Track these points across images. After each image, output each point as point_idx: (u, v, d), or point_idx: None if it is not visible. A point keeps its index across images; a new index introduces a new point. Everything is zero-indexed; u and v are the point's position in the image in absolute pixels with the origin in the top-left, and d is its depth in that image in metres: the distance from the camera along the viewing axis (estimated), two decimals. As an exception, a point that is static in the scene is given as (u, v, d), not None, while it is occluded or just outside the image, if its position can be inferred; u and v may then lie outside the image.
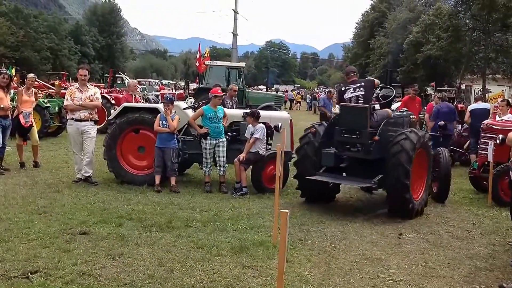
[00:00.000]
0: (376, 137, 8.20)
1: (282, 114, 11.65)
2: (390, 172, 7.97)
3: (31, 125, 11.45)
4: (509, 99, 14.78)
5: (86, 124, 9.83)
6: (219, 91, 10.10)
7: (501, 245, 6.96)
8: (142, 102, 11.58)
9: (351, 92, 8.63)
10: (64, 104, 10.12)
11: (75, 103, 9.73)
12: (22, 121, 11.14)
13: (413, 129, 8.72)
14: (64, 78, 33.73)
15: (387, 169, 8.01)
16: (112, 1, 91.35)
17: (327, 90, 34.31)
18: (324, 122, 9.56)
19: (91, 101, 9.88)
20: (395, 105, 13.63)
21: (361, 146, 8.28)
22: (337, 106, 9.93)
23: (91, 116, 9.94)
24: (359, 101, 8.48)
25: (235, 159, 9.53)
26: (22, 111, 11.14)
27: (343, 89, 8.88)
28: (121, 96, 15.76)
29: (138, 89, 13.05)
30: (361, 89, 8.56)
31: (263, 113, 10.51)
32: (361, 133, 8.19)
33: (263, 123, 10.43)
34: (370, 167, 8.42)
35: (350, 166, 8.76)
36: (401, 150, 7.91)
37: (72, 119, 9.83)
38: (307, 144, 8.79)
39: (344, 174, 8.87)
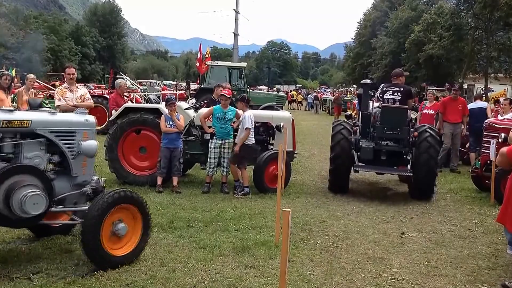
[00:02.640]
0: (416, 133, 9.73)
1: (284, 114, 11.63)
2: (423, 163, 9.41)
3: None
4: (512, 99, 14.75)
5: None
6: (224, 91, 10.06)
7: (504, 244, 6.92)
8: (131, 102, 11.56)
9: (390, 94, 9.98)
10: (56, 104, 9.53)
11: (69, 103, 9.49)
12: None
13: (425, 124, 10.46)
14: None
15: (420, 161, 9.45)
16: (113, 1, 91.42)
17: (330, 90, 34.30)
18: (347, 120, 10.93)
19: (83, 101, 9.76)
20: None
21: (400, 141, 9.67)
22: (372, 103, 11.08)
23: None
24: (395, 104, 9.89)
25: (228, 161, 9.51)
26: None
27: (384, 88, 10.19)
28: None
29: (140, 89, 13.05)
30: (399, 94, 9.93)
31: (265, 113, 10.50)
32: (402, 130, 9.63)
33: (265, 123, 10.44)
34: (398, 158, 9.90)
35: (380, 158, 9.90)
36: (430, 146, 9.44)
37: None
38: (342, 140, 9.69)
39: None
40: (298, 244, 6.60)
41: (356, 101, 21.47)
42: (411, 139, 9.81)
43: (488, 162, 9.94)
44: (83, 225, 5.28)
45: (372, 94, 10.55)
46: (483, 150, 10.52)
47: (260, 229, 7.11)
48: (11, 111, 5.39)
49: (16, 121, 5.27)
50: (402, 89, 10.05)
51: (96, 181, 5.88)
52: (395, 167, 10.09)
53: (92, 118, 6.06)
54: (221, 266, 5.64)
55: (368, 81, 11.91)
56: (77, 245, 6.08)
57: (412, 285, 5.42)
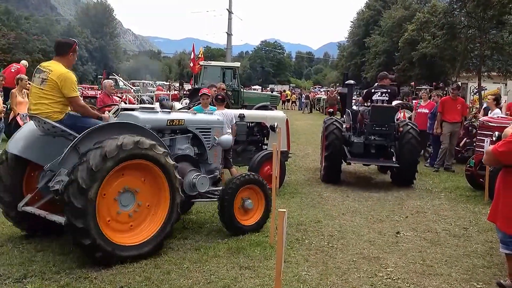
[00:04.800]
0: (401, 128, 10.85)
1: (278, 113, 11.62)
2: (406, 152, 10.61)
3: None
4: (498, 96, 14.81)
5: None
6: (204, 89, 10.00)
7: (498, 242, 6.90)
8: (125, 103, 11.53)
9: (378, 96, 11.24)
10: None
11: None
12: (21, 122, 11.12)
13: (407, 120, 12.03)
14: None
15: (403, 151, 10.63)
16: (105, 1, 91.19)
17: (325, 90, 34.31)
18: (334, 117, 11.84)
19: None
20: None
21: (388, 136, 10.91)
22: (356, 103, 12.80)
23: None
24: (383, 104, 11.10)
25: None
26: (18, 113, 11.09)
27: (373, 90, 11.52)
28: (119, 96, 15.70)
29: (133, 90, 13.03)
30: (386, 95, 11.20)
31: (259, 113, 10.47)
32: (389, 126, 10.84)
33: (259, 123, 10.42)
34: (384, 151, 11.12)
35: (370, 152, 11.16)
36: (412, 137, 10.63)
37: None
38: (336, 140, 10.68)
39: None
40: (293, 244, 6.58)
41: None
42: (396, 134, 10.99)
43: (482, 160, 9.95)
44: (220, 201, 6.72)
45: (357, 93, 11.49)
46: (477, 149, 10.54)
47: (255, 230, 7.08)
48: (168, 112, 6.85)
49: (175, 120, 6.76)
50: (389, 90, 11.36)
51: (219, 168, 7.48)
52: (381, 159, 11.26)
53: (221, 118, 7.65)
54: (216, 267, 5.61)
55: (352, 81, 13.22)
56: (71, 247, 6.06)
57: (408, 285, 5.41)
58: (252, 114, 10.80)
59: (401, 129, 10.89)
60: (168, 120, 6.63)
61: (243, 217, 6.87)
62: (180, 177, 6.06)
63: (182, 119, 6.84)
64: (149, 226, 5.84)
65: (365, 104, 11.78)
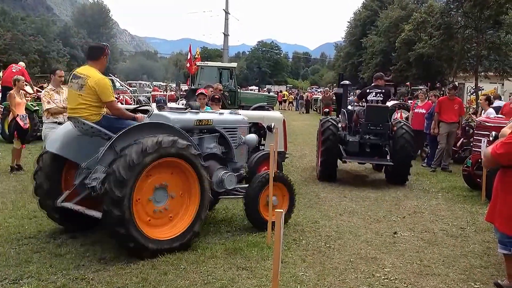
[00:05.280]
0: (395, 128, 11.13)
1: (275, 114, 11.61)
2: (400, 151, 10.84)
3: (28, 127, 11.41)
4: (489, 96, 14.86)
5: None
6: (201, 90, 9.98)
7: (495, 242, 6.92)
8: (121, 104, 11.51)
9: (373, 96, 11.57)
10: (46, 107, 9.41)
11: (59, 106, 9.42)
12: (21, 123, 11.08)
13: (401, 120, 12.39)
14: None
15: (397, 149, 10.88)
16: (101, 2, 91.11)
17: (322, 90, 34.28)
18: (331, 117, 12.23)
19: None
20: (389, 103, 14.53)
21: (382, 135, 11.19)
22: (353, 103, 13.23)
23: None
24: (378, 104, 11.44)
25: None
26: (18, 114, 11.08)
27: (367, 90, 11.88)
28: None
29: (130, 90, 13.01)
30: (381, 95, 11.56)
31: (256, 113, 10.44)
32: (383, 125, 11.15)
33: (256, 123, 10.38)
34: (378, 150, 11.45)
35: (365, 150, 11.46)
36: (406, 136, 10.91)
37: (55, 122, 9.35)
38: (332, 136, 11.06)
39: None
40: (291, 245, 6.57)
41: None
42: (390, 133, 11.23)
43: (480, 160, 9.96)
44: (245, 198, 7.07)
45: (353, 94, 11.74)
46: (474, 149, 10.55)
47: (252, 230, 7.07)
48: (196, 113, 7.15)
49: (203, 120, 7.05)
50: (383, 90, 11.75)
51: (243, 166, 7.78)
52: (376, 158, 11.55)
53: (246, 118, 7.92)
54: (213, 268, 5.59)
55: (347, 82, 13.34)
56: (67, 248, 6.05)
57: (405, 285, 5.41)
58: (249, 114, 10.77)
59: (395, 128, 11.16)
60: (196, 120, 6.94)
61: (268, 213, 6.95)
62: (209, 176, 6.42)
63: (210, 119, 7.15)
64: (182, 221, 6.15)
65: (360, 104, 12.14)
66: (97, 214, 5.90)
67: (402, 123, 11.35)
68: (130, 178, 5.51)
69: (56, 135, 6.61)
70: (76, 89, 6.09)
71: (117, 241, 5.74)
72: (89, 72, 6.12)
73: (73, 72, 6.27)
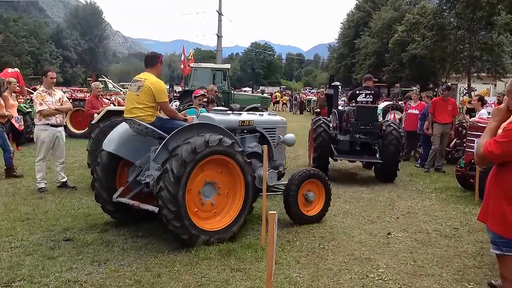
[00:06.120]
0: (384, 127, 11.61)
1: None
2: (389, 149, 11.34)
3: (23, 130, 11.36)
4: (482, 96, 14.90)
5: (61, 129, 9.71)
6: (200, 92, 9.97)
7: (489, 242, 6.92)
8: (114, 105, 11.52)
9: (363, 97, 11.98)
10: (38, 109, 9.43)
11: (51, 108, 9.43)
12: (16, 125, 11.03)
13: (389, 120, 13.17)
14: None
15: (386, 148, 11.36)
16: (94, 3, 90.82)
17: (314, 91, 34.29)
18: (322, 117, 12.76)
19: (61, 104, 9.68)
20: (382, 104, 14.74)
21: (371, 134, 11.61)
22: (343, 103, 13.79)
23: (64, 120, 9.89)
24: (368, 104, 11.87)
25: None
26: (13, 116, 11.04)
27: (357, 91, 12.27)
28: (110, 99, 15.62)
29: (123, 92, 13.01)
30: (370, 96, 11.98)
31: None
32: (373, 125, 11.60)
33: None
34: (368, 148, 11.85)
35: (355, 149, 11.91)
36: (394, 135, 11.39)
37: (48, 124, 9.44)
38: (323, 132, 11.50)
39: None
40: (284, 246, 6.56)
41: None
42: (379, 132, 11.66)
43: (473, 161, 9.99)
44: (285, 194, 7.55)
45: (346, 95, 12.13)
46: (467, 149, 10.58)
47: (246, 232, 7.06)
48: (239, 114, 7.78)
49: (246, 121, 7.60)
50: (372, 91, 12.17)
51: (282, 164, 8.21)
52: (365, 156, 11.96)
53: (284, 118, 8.47)
54: (207, 269, 5.57)
55: (338, 83, 13.79)
56: (60, 251, 6.01)
57: (399, 285, 5.40)
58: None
59: (384, 127, 11.63)
60: (239, 121, 7.51)
61: (306, 208, 7.65)
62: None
63: (251, 120, 7.71)
64: (228, 214, 6.64)
65: (351, 105, 12.46)
66: (152, 208, 6.42)
67: (390, 122, 11.93)
68: (183, 175, 6.02)
69: (112, 135, 7.13)
70: (134, 91, 6.63)
71: (173, 233, 6.22)
72: (147, 76, 6.66)
73: (133, 78, 6.88)
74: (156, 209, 6.24)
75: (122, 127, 7.16)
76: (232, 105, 7.80)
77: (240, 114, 7.82)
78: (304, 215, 7.58)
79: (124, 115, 6.83)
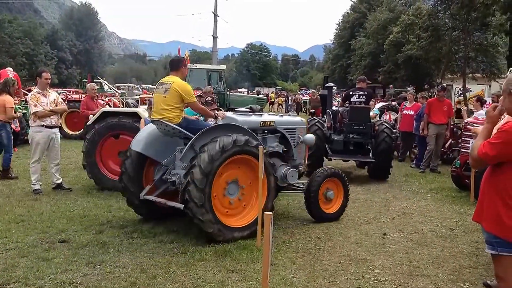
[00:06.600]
0: (377, 127, 11.88)
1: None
2: (381, 149, 11.58)
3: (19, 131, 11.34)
4: (480, 96, 14.95)
5: (56, 131, 9.68)
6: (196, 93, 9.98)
7: (484, 243, 6.95)
8: (109, 106, 11.51)
9: (356, 98, 12.26)
10: (33, 111, 9.38)
11: (46, 109, 9.40)
12: (13, 126, 10.98)
13: (381, 120, 13.82)
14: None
15: (380, 149, 11.59)
16: (89, 5, 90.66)
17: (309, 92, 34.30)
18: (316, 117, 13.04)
19: (56, 105, 9.65)
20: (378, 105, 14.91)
21: (365, 134, 11.84)
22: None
23: (59, 121, 9.85)
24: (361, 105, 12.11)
25: None
26: (18, 116, 11.03)
27: (351, 92, 12.61)
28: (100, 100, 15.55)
29: (118, 93, 12.97)
30: (363, 97, 12.24)
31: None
32: (366, 125, 11.81)
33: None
34: (361, 148, 12.10)
35: (349, 148, 12.17)
36: (387, 134, 11.65)
37: (42, 125, 9.41)
38: (318, 131, 11.58)
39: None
40: (280, 247, 6.56)
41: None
42: (372, 132, 11.90)
43: (468, 161, 10.01)
44: (306, 192, 7.81)
45: (341, 95, 12.37)
46: (462, 150, 10.60)
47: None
48: (260, 115, 7.99)
49: (267, 122, 7.87)
50: (366, 92, 12.42)
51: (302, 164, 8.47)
52: (359, 155, 12.18)
53: (303, 119, 8.95)
54: (203, 271, 5.57)
55: (332, 84, 13.95)
56: (55, 252, 5.99)
57: (395, 286, 5.41)
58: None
59: (377, 128, 11.92)
60: (261, 121, 7.76)
61: (325, 206, 7.91)
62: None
63: (272, 121, 7.98)
64: (250, 212, 6.86)
65: (344, 106, 12.68)
66: (178, 205, 6.60)
67: (382, 121, 12.33)
68: (211, 171, 6.27)
69: (140, 135, 7.42)
70: (162, 93, 6.89)
71: (198, 227, 6.41)
72: (173, 79, 6.96)
73: (159, 81, 7.20)
74: (181, 206, 6.44)
75: (150, 128, 7.45)
76: (253, 107, 7.91)
77: (262, 115, 8.08)
78: (324, 213, 7.83)
79: (152, 116, 7.08)
